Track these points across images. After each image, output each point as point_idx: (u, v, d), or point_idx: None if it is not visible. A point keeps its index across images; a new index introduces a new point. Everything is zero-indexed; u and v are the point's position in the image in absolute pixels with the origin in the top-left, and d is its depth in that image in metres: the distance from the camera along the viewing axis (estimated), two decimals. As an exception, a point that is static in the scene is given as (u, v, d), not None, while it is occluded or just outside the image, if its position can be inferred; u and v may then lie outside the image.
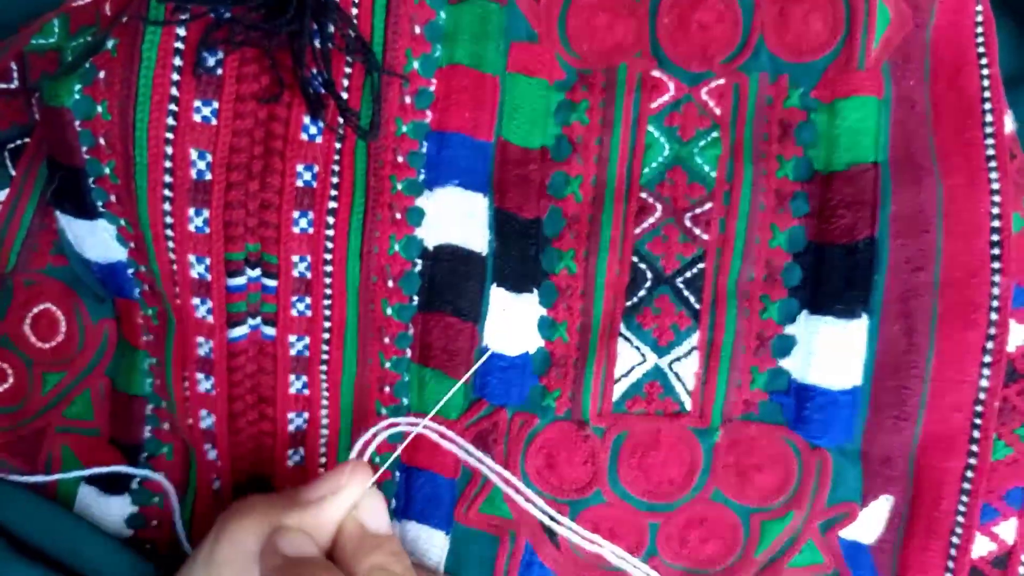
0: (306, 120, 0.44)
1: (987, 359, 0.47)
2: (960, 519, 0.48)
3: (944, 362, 0.47)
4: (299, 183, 0.45)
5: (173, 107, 0.43)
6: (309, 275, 0.46)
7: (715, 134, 0.48)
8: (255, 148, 0.44)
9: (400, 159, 0.46)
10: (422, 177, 0.47)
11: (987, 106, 0.48)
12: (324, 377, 0.48)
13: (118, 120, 0.43)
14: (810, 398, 0.47)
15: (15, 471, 0.49)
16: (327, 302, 0.47)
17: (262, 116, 0.44)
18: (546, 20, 0.48)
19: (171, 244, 0.44)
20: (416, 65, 0.46)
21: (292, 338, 0.47)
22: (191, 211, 0.44)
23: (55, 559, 0.46)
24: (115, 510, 0.49)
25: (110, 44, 0.43)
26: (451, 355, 0.47)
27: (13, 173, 0.49)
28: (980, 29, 0.49)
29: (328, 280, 0.46)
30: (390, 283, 0.47)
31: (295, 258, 0.46)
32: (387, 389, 0.48)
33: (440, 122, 0.47)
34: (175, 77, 0.43)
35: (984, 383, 0.47)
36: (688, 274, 0.48)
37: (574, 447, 0.48)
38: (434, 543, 0.49)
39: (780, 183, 0.47)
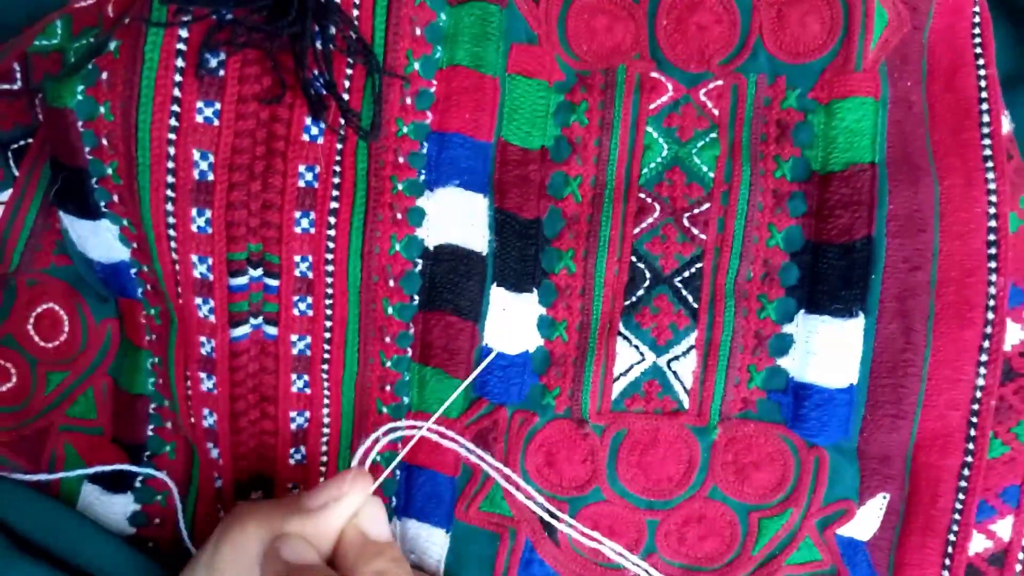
0: (308, 121, 0.45)
1: (983, 358, 0.47)
2: (957, 517, 0.48)
3: (941, 361, 0.47)
4: (301, 183, 0.45)
5: (175, 108, 0.43)
6: (311, 275, 0.46)
7: (713, 135, 0.48)
8: (257, 149, 0.44)
9: (401, 160, 0.46)
10: (423, 177, 0.47)
11: (984, 107, 0.48)
12: (325, 376, 0.48)
13: (120, 121, 0.43)
14: (807, 396, 0.47)
15: (18, 470, 0.49)
16: (328, 301, 0.47)
17: (264, 117, 0.44)
18: (546, 22, 0.48)
19: (173, 244, 0.44)
20: (417, 66, 0.46)
21: (294, 337, 0.47)
22: (193, 211, 0.44)
23: (59, 558, 0.46)
24: (118, 508, 0.50)
25: (112, 45, 0.44)
26: (452, 354, 0.47)
27: (16, 173, 0.49)
28: (977, 30, 0.49)
29: (329, 280, 0.46)
30: (391, 283, 0.47)
31: (297, 258, 0.46)
32: (388, 388, 0.48)
33: (441, 123, 0.47)
34: (177, 78, 0.43)
35: (980, 382, 0.47)
36: (686, 273, 0.48)
37: (573, 445, 0.48)
38: (434, 541, 0.49)
39: (778, 183, 0.48)
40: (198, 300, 0.45)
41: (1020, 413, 0.48)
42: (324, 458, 0.49)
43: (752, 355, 0.48)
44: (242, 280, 0.46)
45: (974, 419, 0.48)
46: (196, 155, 0.44)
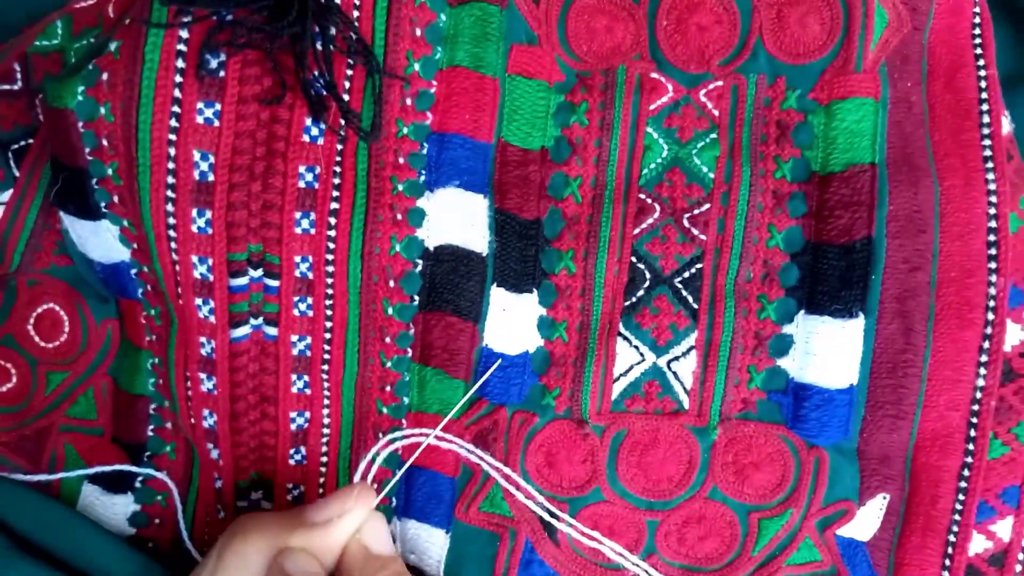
0: (308, 122, 0.45)
1: (983, 358, 0.47)
2: (957, 517, 0.48)
3: (941, 361, 0.47)
4: (301, 184, 0.45)
5: (176, 109, 0.43)
6: (311, 275, 0.46)
7: (713, 135, 0.48)
8: (257, 149, 0.44)
9: (401, 160, 0.46)
10: (423, 178, 0.47)
11: (984, 107, 0.48)
12: (325, 376, 0.48)
13: (121, 121, 0.43)
14: (807, 397, 0.47)
15: (19, 470, 0.49)
16: (329, 302, 0.47)
17: (264, 118, 0.44)
18: (546, 22, 0.48)
19: (174, 245, 0.44)
20: (417, 67, 0.46)
21: (294, 338, 0.47)
22: (194, 212, 0.44)
23: (59, 558, 0.46)
24: (118, 509, 0.50)
25: (113, 46, 0.44)
26: (452, 354, 0.47)
27: (17, 174, 0.49)
28: (977, 31, 0.49)
29: (330, 280, 0.46)
30: (391, 283, 0.47)
31: (297, 258, 0.46)
32: (388, 388, 0.48)
33: (441, 123, 0.47)
34: (178, 79, 0.43)
35: (980, 382, 0.47)
36: (686, 274, 0.48)
37: (573, 445, 0.48)
38: (434, 541, 0.49)
39: (778, 184, 0.48)
40: (198, 301, 0.45)
41: (1020, 414, 0.48)
42: (324, 458, 0.49)
43: (752, 356, 0.48)
44: (242, 281, 0.46)
45: (974, 420, 0.48)
46: (196, 156, 0.44)
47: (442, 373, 0.48)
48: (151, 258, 0.45)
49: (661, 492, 0.49)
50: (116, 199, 0.45)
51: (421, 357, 0.48)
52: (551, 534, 0.49)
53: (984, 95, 0.48)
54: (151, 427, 0.50)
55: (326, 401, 0.48)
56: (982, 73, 0.49)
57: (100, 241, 0.47)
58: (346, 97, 0.45)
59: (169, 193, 0.44)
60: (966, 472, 0.48)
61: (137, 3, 0.45)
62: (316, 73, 0.44)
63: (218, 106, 0.44)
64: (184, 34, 0.43)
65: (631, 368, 0.48)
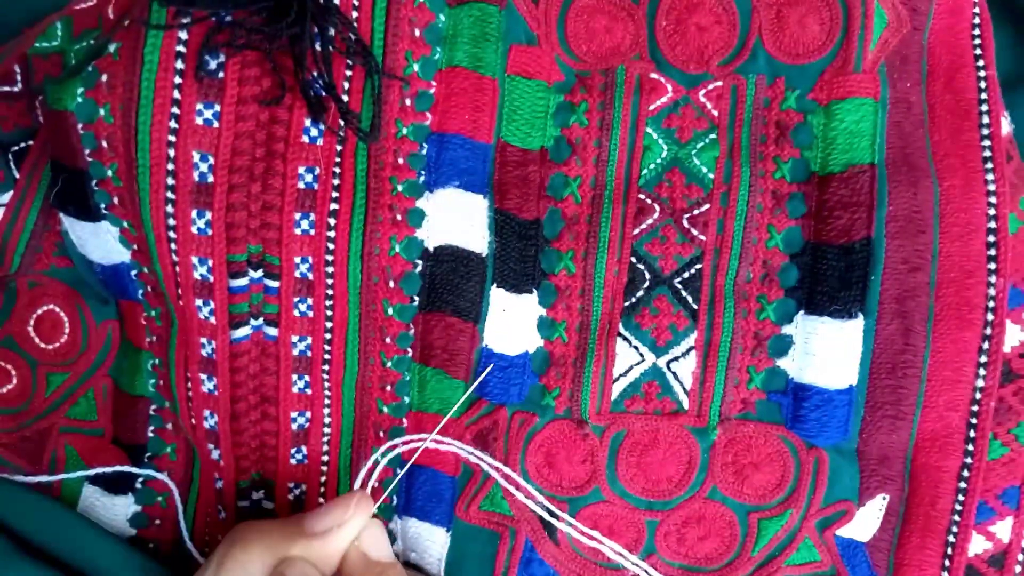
0: (307, 122, 0.45)
1: (983, 359, 0.47)
2: (956, 518, 0.48)
3: (940, 362, 0.47)
4: (300, 185, 0.45)
5: (175, 110, 0.43)
6: (311, 276, 0.46)
7: (713, 136, 0.48)
8: (257, 150, 0.45)
9: (400, 161, 0.46)
10: (422, 179, 0.47)
11: (984, 108, 0.48)
12: (326, 376, 0.48)
13: (120, 123, 0.43)
14: (807, 397, 0.47)
15: (19, 471, 0.49)
16: (329, 303, 0.47)
17: (263, 119, 0.44)
18: (545, 23, 0.48)
19: (173, 246, 0.44)
20: (416, 67, 0.46)
21: (294, 338, 0.47)
22: (193, 213, 0.44)
23: (60, 559, 0.47)
24: (119, 510, 0.50)
25: (112, 47, 0.44)
26: (452, 355, 0.48)
27: (17, 176, 0.49)
28: (977, 31, 0.49)
29: (330, 281, 0.47)
30: (391, 284, 0.47)
31: (297, 259, 0.46)
32: (388, 388, 0.48)
33: (440, 124, 0.47)
34: (177, 80, 0.43)
35: (980, 383, 0.47)
36: (686, 274, 0.48)
37: (573, 445, 0.48)
38: (435, 540, 0.49)
39: (777, 184, 0.48)
40: (198, 302, 0.46)
41: (1020, 414, 0.48)
42: (325, 457, 0.49)
43: (752, 356, 0.48)
44: (242, 282, 0.46)
45: (974, 420, 0.48)
46: (196, 157, 0.44)
47: (442, 373, 0.48)
48: (151, 259, 0.45)
49: (661, 492, 0.49)
50: (116, 200, 0.45)
51: (421, 357, 0.48)
52: (551, 534, 0.49)
53: (984, 95, 0.48)
54: (152, 428, 0.50)
55: (327, 401, 0.48)
56: (982, 74, 0.49)
57: (100, 242, 0.47)
58: (345, 98, 0.45)
59: (169, 194, 0.44)
60: (966, 473, 0.48)
61: (136, 5, 0.45)
62: (315, 74, 0.44)
63: (217, 107, 0.44)
64: (183, 35, 0.43)
65: (631, 368, 0.48)
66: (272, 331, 0.47)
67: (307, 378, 0.48)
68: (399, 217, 0.47)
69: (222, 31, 0.43)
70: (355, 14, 0.45)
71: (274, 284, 0.46)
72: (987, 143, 0.48)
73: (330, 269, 0.46)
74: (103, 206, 0.46)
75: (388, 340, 0.48)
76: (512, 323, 0.48)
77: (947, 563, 0.48)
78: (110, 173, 0.45)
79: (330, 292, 0.47)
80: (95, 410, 0.50)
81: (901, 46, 0.48)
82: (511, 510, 0.49)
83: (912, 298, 0.47)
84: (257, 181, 0.45)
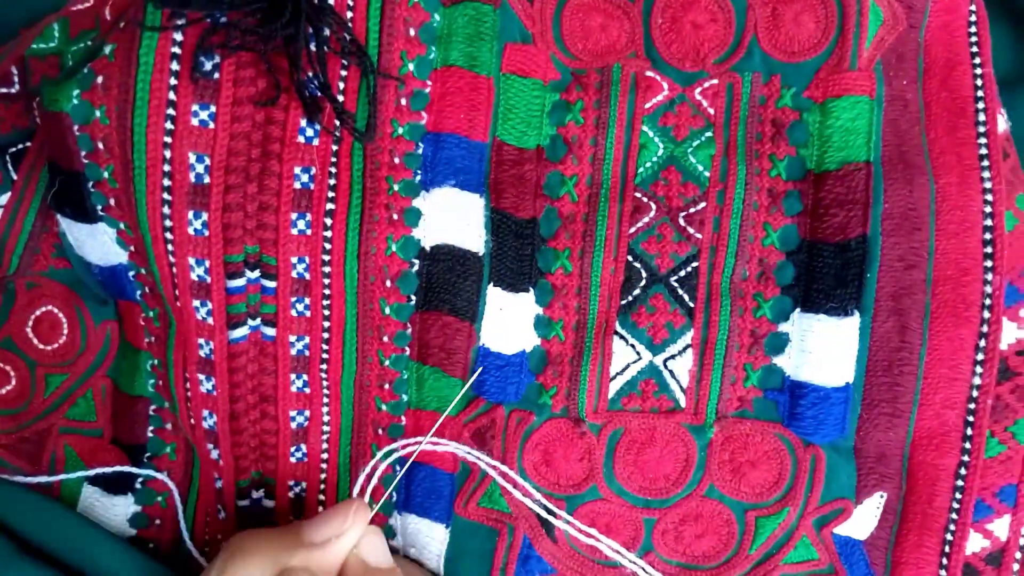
0: (303, 123, 0.45)
1: (980, 356, 0.47)
2: (954, 516, 0.48)
3: (937, 359, 0.47)
4: (296, 185, 0.45)
5: (171, 111, 0.43)
6: (308, 276, 0.46)
7: (709, 134, 0.48)
8: (253, 151, 0.45)
9: (396, 160, 0.46)
10: (418, 178, 0.47)
11: (980, 105, 0.48)
12: (324, 375, 0.48)
13: (116, 124, 0.43)
14: (803, 395, 0.47)
15: (19, 472, 0.49)
16: (326, 302, 0.47)
17: (259, 119, 0.44)
18: (540, 21, 0.48)
19: (170, 247, 0.45)
20: (411, 67, 0.46)
21: (292, 338, 0.47)
22: (190, 214, 0.44)
23: (60, 560, 0.47)
24: (118, 510, 0.50)
25: (108, 49, 0.44)
26: (449, 353, 0.48)
27: (15, 177, 0.49)
28: (973, 29, 0.49)
29: (327, 281, 0.47)
30: (388, 283, 0.47)
31: (294, 259, 0.46)
32: (387, 386, 0.49)
33: (436, 123, 0.47)
34: (172, 82, 0.43)
35: (977, 380, 0.47)
36: (682, 273, 0.48)
37: (570, 444, 0.48)
38: (434, 536, 0.49)
39: (773, 182, 0.47)
40: (196, 303, 0.46)
41: (1017, 412, 0.48)
42: (325, 455, 0.49)
43: (748, 354, 0.48)
44: (239, 282, 0.46)
45: (971, 418, 0.48)
46: (192, 158, 0.44)
47: (440, 371, 0.48)
48: (148, 260, 0.45)
49: (658, 490, 0.49)
50: (112, 202, 0.45)
51: (419, 356, 0.48)
52: (548, 531, 0.49)
53: (980, 93, 0.48)
54: (151, 428, 0.50)
55: (325, 399, 0.49)
56: (978, 71, 0.48)
57: (97, 244, 0.47)
58: (341, 98, 0.45)
59: (165, 196, 0.44)
60: (963, 471, 0.48)
61: (132, 6, 0.45)
62: (310, 74, 0.44)
63: (213, 108, 0.44)
64: (178, 37, 0.43)
65: (627, 367, 0.48)
66: (270, 331, 0.47)
67: (305, 377, 0.48)
68: (395, 216, 0.47)
69: (217, 32, 0.43)
70: (350, 14, 0.45)
71: (271, 284, 0.46)
72: (983, 140, 0.48)
73: (327, 269, 0.46)
74: (100, 208, 0.46)
75: (386, 339, 0.48)
76: (509, 322, 0.48)
77: (945, 561, 0.48)
78: (106, 175, 0.45)
79: (327, 292, 0.47)
80: (94, 411, 0.50)
81: (897, 43, 0.48)
82: (509, 507, 0.49)
83: (908, 295, 0.47)
84: (253, 182, 0.45)
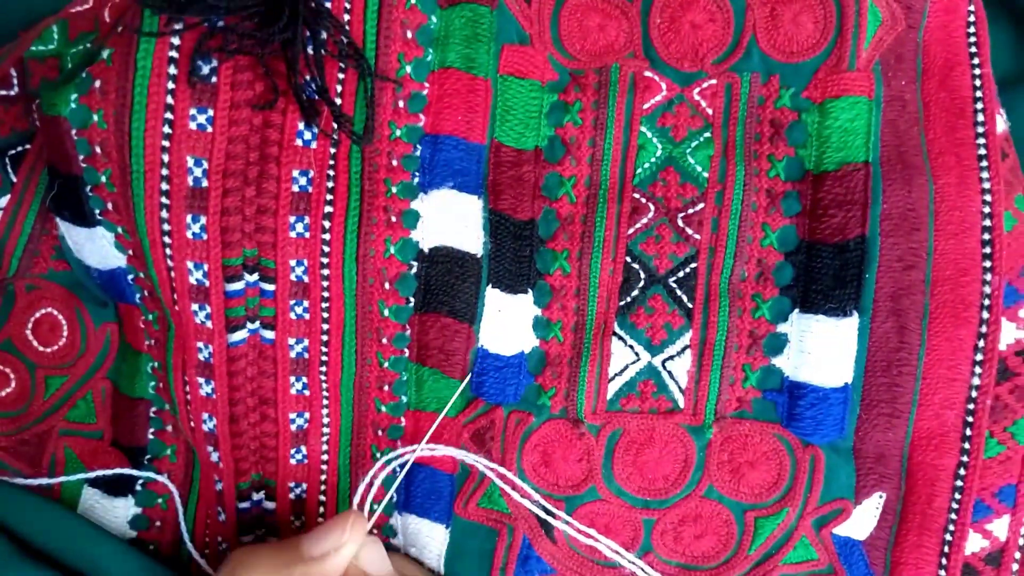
0: (301, 126, 0.45)
1: (979, 357, 0.47)
2: (953, 516, 0.48)
3: (936, 360, 0.47)
4: (295, 188, 0.45)
5: (169, 115, 0.43)
6: (306, 279, 0.47)
7: (707, 134, 0.48)
8: (251, 154, 0.45)
9: (394, 162, 0.46)
10: (416, 180, 0.47)
11: (979, 106, 0.48)
12: (324, 378, 0.48)
13: (114, 128, 0.43)
14: (802, 396, 0.47)
15: (19, 474, 0.49)
16: (325, 305, 0.47)
17: (257, 123, 0.44)
18: (538, 22, 0.48)
19: (168, 251, 0.45)
20: (409, 69, 0.46)
21: (291, 341, 0.47)
22: (188, 218, 0.44)
23: (61, 562, 0.47)
24: (119, 512, 0.50)
25: (105, 53, 0.44)
26: (448, 355, 0.48)
27: (14, 179, 0.49)
28: (972, 29, 0.48)
29: (325, 283, 0.47)
30: (387, 285, 0.47)
31: (292, 262, 0.46)
32: (386, 387, 0.49)
33: (433, 125, 0.47)
34: (170, 85, 0.43)
35: (976, 381, 0.47)
36: (681, 273, 0.48)
37: (569, 445, 0.48)
38: (434, 536, 0.49)
39: (772, 183, 0.47)
40: (194, 306, 0.46)
41: (1016, 412, 0.48)
42: (325, 456, 0.49)
43: (747, 354, 0.48)
44: (238, 285, 0.46)
45: (970, 418, 0.48)
46: (190, 162, 0.44)
47: (439, 373, 0.48)
48: (146, 264, 0.45)
49: (657, 491, 0.49)
50: (110, 206, 0.46)
51: (418, 357, 0.48)
52: (548, 532, 0.49)
53: (979, 93, 0.48)
54: (152, 430, 0.50)
55: (325, 401, 0.49)
56: (977, 71, 0.48)
57: (96, 247, 0.47)
58: (338, 101, 0.45)
59: (163, 199, 0.44)
60: (962, 471, 0.48)
61: (129, 10, 0.45)
62: (308, 78, 0.44)
63: (211, 112, 0.44)
64: (176, 41, 0.43)
65: (626, 367, 0.48)
66: (269, 334, 0.47)
67: (305, 379, 0.48)
68: (394, 219, 0.47)
69: (214, 36, 0.43)
70: (347, 17, 0.45)
71: (270, 287, 0.46)
72: (982, 141, 0.48)
73: (326, 272, 0.46)
74: (98, 211, 0.46)
75: (385, 341, 0.48)
76: (507, 323, 0.48)
77: (944, 561, 0.48)
78: (104, 179, 0.45)
79: (326, 294, 0.47)
80: (94, 413, 0.50)
81: (896, 44, 0.48)
82: (508, 507, 0.49)
83: (907, 296, 0.47)
84: (251, 185, 0.45)
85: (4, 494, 0.48)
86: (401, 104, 0.46)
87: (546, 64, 0.48)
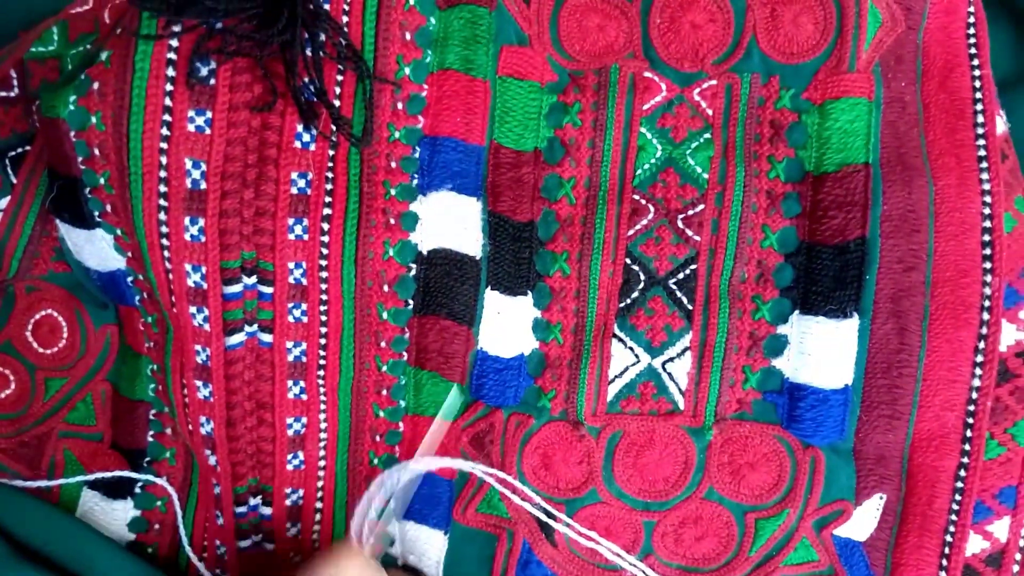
0: (299, 128, 0.45)
1: (979, 358, 0.47)
2: (953, 517, 0.48)
3: (936, 361, 0.47)
4: (293, 190, 0.45)
5: (167, 117, 0.43)
6: (305, 281, 0.46)
7: (707, 135, 0.48)
8: (249, 156, 0.44)
9: (393, 164, 0.46)
10: (415, 182, 0.47)
11: (978, 107, 0.48)
12: (321, 382, 0.48)
13: (112, 130, 0.43)
14: (802, 397, 0.47)
15: (18, 476, 0.49)
16: (323, 308, 0.47)
17: (255, 125, 0.44)
18: (537, 22, 0.48)
19: (167, 253, 0.44)
20: (407, 71, 0.46)
21: (289, 344, 0.47)
22: (186, 220, 0.44)
23: (59, 565, 0.47)
24: (118, 514, 0.50)
25: (104, 55, 0.44)
26: (447, 358, 0.48)
27: (14, 181, 0.49)
28: (972, 31, 0.48)
29: (324, 286, 0.47)
30: (385, 287, 0.47)
31: (291, 265, 0.46)
32: (384, 392, 0.49)
33: (432, 127, 0.47)
34: (168, 87, 0.43)
35: (976, 382, 0.47)
36: (681, 275, 0.48)
37: (569, 447, 0.48)
38: (433, 543, 0.49)
39: (772, 184, 0.47)
40: (192, 309, 0.46)
41: (1016, 414, 0.48)
42: (322, 462, 0.49)
43: (747, 356, 0.48)
44: (236, 288, 0.46)
45: (970, 420, 0.47)
46: (188, 164, 0.44)
47: (438, 376, 0.48)
48: (144, 266, 0.45)
49: (657, 493, 0.49)
50: (109, 208, 0.45)
51: (416, 360, 0.48)
52: (548, 535, 0.49)
53: (978, 95, 0.48)
54: (151, 432, 0.50)
55: (322, 406, 0.49)
56: (976, 73, 0.48)
57: (95, 249, 0.47)
58: (337, 103, 0.45)
59: (161, 202, 0.44)
60: (962, 472, 0.48)
61: (128, 12, 0.45)
62: (306, 80, 0.43)
63: (209, 114, 0.44)
64: (174, 43, 0.43)
65: (626, 369, 0.48)
66: (266, 337, 0.47)
67: (302, 383, 0.48)
68: (392, 221, 0.47)
69: (213, 38, 0.43)
70: (345, 19, 0.45)
71: (268, 290, 0.46)
72: (982, 142, 0.47)
73: (324, 274, 0.46)
74: (97, 213, 0.46)
75: (383, 344, 0.48)
76: (507, 325, 0.48)
77: (944, 563, 0.48)
78: (102, 181, 0.45)
79: (324, 297, 0.47)
80: (94, 415, 0.50)
81: (896, 45, 0.47)
82: (508, 512, 0.49)
83: (907, 297, 0.47)
84: (250, 187, 0.45)
85: (3, 496, 0.48)
86: (400, 106, 0.46)
87: (545, 65, 0.48)
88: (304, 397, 0.48)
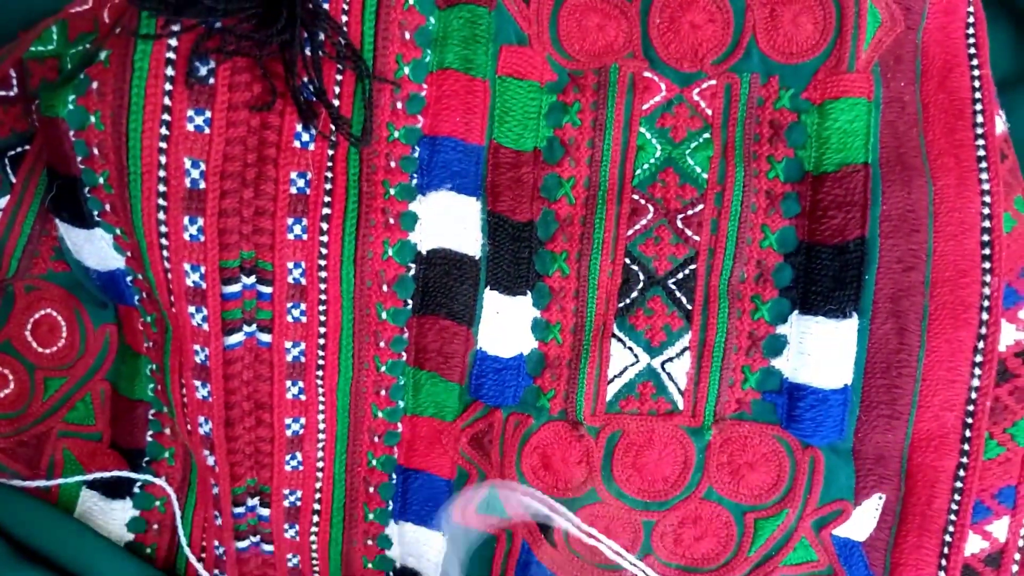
0: (299, 127, 0.45)
1: (978, 358, 0.47)
2: (953, 517, 0.48)
3: (936, 361, 0.47)
4: (293, 190, 0.45)
5: (166, 117, 0.43)
6: (304, 281, 0.46)
7: (706, 135, 0.48)
8: (248, 156, 0.44)
9: (392, 164, 0.46)
10: (415, 182, 0.47)
11: (978, 107, 0.48)
12: (320, 382, 0.48)
13: (111, 130, 0.43)
14: (802, 397, 0.47)
15: (17, 476, 0.49)
16: (322, 307, 0.47)
17: (255, 124, 0.44)
18: (536, 22, 0.47)
19: (166, 253, 0.44)
20: (407, 71, 0.46)
21: (288, 344, 0.47)
22: (185, 219, 0.44)
23: (58, 564, 0.47)
24: (117, 514, 0.50)
25: (103, 55, 0.44)
26: (446, 358, 0.48)
27: (14, 180, 0.49)
28: (971, 31, 0.48)
29: (323, 286, 0.47)
30: (384, 287, 0.47)
31: (290, 264, 0.46)
32: (383, 392, 0.49)
33: (432, 127, 0.47)
34: (167, 87, 0.43)
35: (976, 382, 0.47)
36: (680, 275, 0.48)
37: (568, 447, 0.48)
38: (432, 544, 0.49)
39: (771, 184, 0.47)
40: (191, 309, 0.46)
41: (1015, 414, 0.48)
42: (320, 463, 0.49)
43: (746, 356, 0.48)
44: (235, 288, 0.46)
45: (969, 420, 0.47)
46: (187, 163, 0.44)
47: (437, 376, 0.48)
48: (143, 266, 0.45)
49: (657, 492, 0.49)
50: (108, 208, 0.45)
51: (416, 360, 0.48)
52: (547, 536, 0.49)
53: (978, 95, 0.48)
54: (150, 432, 0.50)
55: (321, 407, 0.49)
56: (976, 73, 0.48)
57: (95, 249, 0.47)
58: (336, 103, 0.45)
59: (160, 201, 0.44)
60: (962, 472, 0.48)
61: (127, 12, 0.44)
62: (306, 79, 0.43)
63: (208, 113, 0.44)
64: (173, 42, 0.43)
65: (625, 369, 0.48)
66: (265, 337, 0.47)
67: (301, 384, 0.48)
68: (392, 221, 0.47)
69: (212, 38, 0.43)
70: (345, 18, 0.45)
71: (267, 290, 0.46)
72: (981, 142, 0.47)
73: (323, 274, 0.46)
74: (96, 213, 0.46)
75: (382, 344, 0.48)
76: (506, 325, 0.48)
77: (943, 562, 0.48)
78: (102, 180, 0.45)
79: (323, 297, 0.47)
80: (93, 414, 0.50)
81: (895, 45, 0.47)
82: (507, 513, 0.49)
83: (907, 297, 0.47)
84: (249, 187, 0.45)
85: (3, 496, 0.48)
86: (399, 105, 0.46)
87: (545, 65, 0.48)
88: (303, 397, 0.48)
